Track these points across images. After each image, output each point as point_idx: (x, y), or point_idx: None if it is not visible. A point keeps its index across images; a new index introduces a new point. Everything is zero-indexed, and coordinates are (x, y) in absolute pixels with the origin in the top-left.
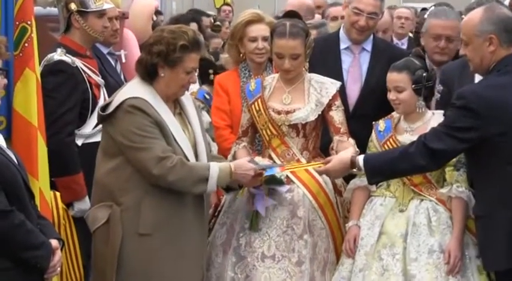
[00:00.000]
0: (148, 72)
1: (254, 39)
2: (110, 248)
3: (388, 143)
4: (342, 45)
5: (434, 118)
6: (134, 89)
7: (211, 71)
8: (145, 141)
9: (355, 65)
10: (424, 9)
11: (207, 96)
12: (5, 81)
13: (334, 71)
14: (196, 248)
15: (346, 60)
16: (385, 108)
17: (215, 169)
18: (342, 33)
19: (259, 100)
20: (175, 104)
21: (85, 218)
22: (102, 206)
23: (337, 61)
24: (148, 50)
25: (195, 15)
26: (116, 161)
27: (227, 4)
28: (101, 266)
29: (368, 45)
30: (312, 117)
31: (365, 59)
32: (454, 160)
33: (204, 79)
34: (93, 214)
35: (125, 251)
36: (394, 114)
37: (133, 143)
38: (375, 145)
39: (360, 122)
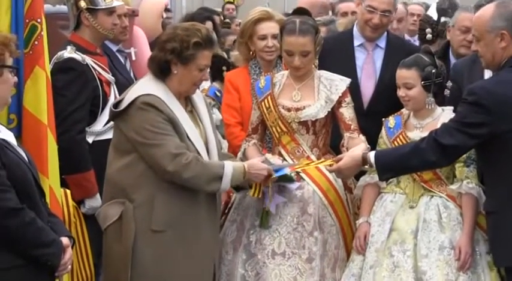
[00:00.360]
0: (161, 69)
1: (264, 37)
2: (123, 245)
3: (398, 139)
4: (356, 42)
5: (444, 114)
6: (147, 86)
7: (224, 68)
8: (158, 137)
9: (369, 62)
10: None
11: (218, 94)
12: (16, 79)
13: (348, 68)
14: (209, 245)
15: (360, 57)
16: (399, 105)
17: (229, 168)
18: (355, 30)
19: (269, 97)
20: (186, 102)
21: (96, 216)
22: (114, 203)
23: (351, 58)
24: (161, 47)
25: (206, 14)
26: (128, 158)
27: (230, 2)
28: (114, 263)
29: (382, 42)
30: (322, 114)
31: (379, 55)
32: (464, 156)
33: (217, 76)
34: (104, 211)
35: (138, 248)
36: (404, 110)
37: (146, 139)
38: (384, 141)
39: (374, 119)
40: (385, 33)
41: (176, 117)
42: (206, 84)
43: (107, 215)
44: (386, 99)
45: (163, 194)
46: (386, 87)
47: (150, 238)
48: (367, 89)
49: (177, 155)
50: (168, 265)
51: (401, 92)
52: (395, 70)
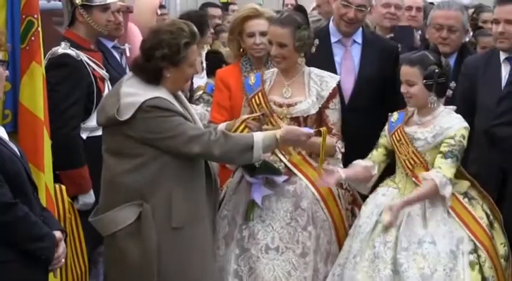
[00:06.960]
0: (154, 76)
1: (252, 35)
2: (144, 246)
3: (396, 133)
4: (333, 39)
5: (443, 113)
6: (148, 91)
7: (224, 65)
8: (172, 129)
9: (348, 58)
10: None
11: None
12: (7, 73)
13: (327, 64)
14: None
15: (338, 53)
16: (379, 100)
17: (259, 135)
18: (331, 26)
19: (259, 93)
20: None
21: (93, 222)
22: (128, 207)
23: (329, 54)
24: (149, 55)
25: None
26: (137, 159)
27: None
28: (133, 265)
29: (358, 38)
30: (313, 111)
31: (356, 51)
32: (446, 149)
33: (214, 73)
34: (111, 217)
35: (160, 247)
36: (409, 107)
37: (162, 133)
38: (385, 134)
39: (355, 114)
40: (361, 29)
41: (184, 113)
42: (202, 81)
43: (117, 220)
44: (367, 94)
45: (180, 191)
46: (366, 82)
47: (171, 235)
48: (347, 84)
49: (200, 135)
50: (190, 260)
51: (403, 89)
52: (373, 65)
